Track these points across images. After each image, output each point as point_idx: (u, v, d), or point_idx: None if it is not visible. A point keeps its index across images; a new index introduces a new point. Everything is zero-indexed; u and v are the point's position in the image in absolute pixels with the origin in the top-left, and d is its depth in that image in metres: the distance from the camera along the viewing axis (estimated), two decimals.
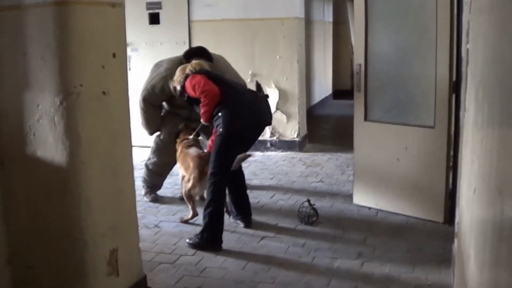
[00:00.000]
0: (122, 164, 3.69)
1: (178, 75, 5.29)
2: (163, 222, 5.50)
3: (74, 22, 3.21)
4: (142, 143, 7.65)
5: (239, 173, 5.41)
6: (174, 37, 8.82)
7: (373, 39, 5.60)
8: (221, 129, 4.93)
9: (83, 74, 3.28)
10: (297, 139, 8.65)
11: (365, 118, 5.71)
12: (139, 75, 8.11)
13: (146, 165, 6.17)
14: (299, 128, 8.66)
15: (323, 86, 13.94)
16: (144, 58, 8.75)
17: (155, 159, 6.17)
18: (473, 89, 2.92)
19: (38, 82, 3.25)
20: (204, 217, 4.89)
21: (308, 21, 10.82)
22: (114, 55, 3.49)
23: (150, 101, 5.88)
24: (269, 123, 5.40)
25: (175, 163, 6.03)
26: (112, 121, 3.56)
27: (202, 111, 5.04)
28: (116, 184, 3.61)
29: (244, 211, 5.41)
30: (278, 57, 8.47)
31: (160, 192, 6.44)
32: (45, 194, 3.39)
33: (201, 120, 5.19)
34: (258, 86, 5.48)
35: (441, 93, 5.08)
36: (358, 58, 5.71)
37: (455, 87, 5.00)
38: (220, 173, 4.94)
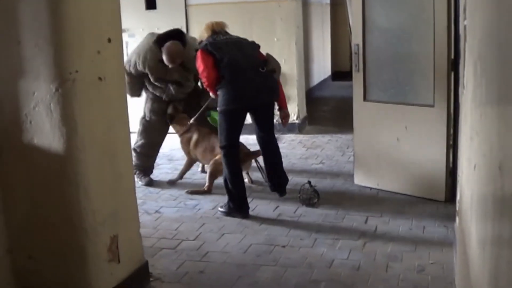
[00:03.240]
0: (120, 150, 3.68)
1: (201, 35, 5.49)
2: (164, 208, 5.49)
3: (68, 8, 3.17)
4: None
5: (276, 153, 5.64)
6: (171, 22, 8.73)
7: (371, 18, 5.57)
8: (218, 108, 5.20)
9: (78, 60, 3.25)
10: (296, 121, 8.64)
11: (364, 98, 5.69)
12: None
13: (134, 149, 6.11)
14: (298, 110, 8.65)
15: (322, 68, 13.89)
16: None
17: (142, 140, 6.21)
18: (471, 65, 2.90)
19: (33, 70, 3.22)
20: (226, 189, 5.25)
21: (305, 3, 10.77)
22: (109, 40, 3.46)
23: (126, 70, 5.81)
24: (271, 101, 5.48)
25: (162, 142, 6.34)
26: (109, 107, 3.54)
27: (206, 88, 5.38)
28: (114, 170, 3.60)
29: (278, 184, 5.64)
30: (275, 39, 8.43)
31: (161, 178, 6.44)
32: (43, 182, 3.37)
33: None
34: (265, 61, 5.43)
35: (440, 71, 5.05)
36: (356, 38, 5.68)
37: (454, 64, 4.98)
38: (227, 147, 5.24)
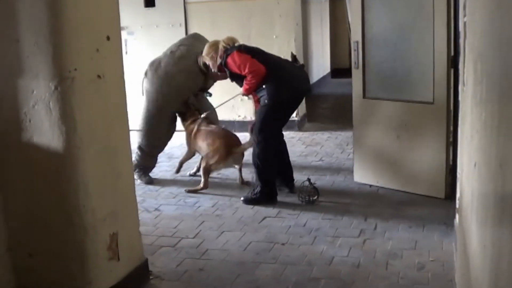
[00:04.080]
0: (120, 148, 3.67)
1: (208, 51, 5.65)
2: (164, 206, 5.49)
3: (67, 6, 3.17)
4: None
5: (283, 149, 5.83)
6: (170, 19, 8.76)
7: (370, 15, 5.56)
8: (266, 101, 5.32)
9: (77, 58, 3.25)
10: (296, 118, 8.62)
11: (364, 96, 5.69)
12: (135, 59, 8.09)
13: (141, 148, 6.12)
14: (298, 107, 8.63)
15: (321, 65, 13.89)
16: (140, 42, 8.72)
17: (149, 140, 6.18)
18: (471, 63, 2.89)
19: (32, 68, 3.21)
20: (259, 178, 5.45)
21: (304, 0, 10.75)
22: (108, 38, 3.46)
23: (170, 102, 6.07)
24: (310, 90, 5.88)
25: (167, 143, 6.36)
26: (109, 105, 3.53)
27: (246, 87, 5.37)
28: (114, 168, 3.59)
29: (286, 178, 5.80)
30: (274, 36, 8.42)
31: (161, 176, 6.44)
32: (42, 181, 3.37)
33: (241, 92, 5.54)
34: (294, 57, 5.87)
35: (440, 69, 5.05)
36: (356, 35, 5.68)
37: (454, 61, 4.97)
38: (266, 140, 5.40)
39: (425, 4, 5.09)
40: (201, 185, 5.84)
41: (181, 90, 6.03)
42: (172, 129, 6.29)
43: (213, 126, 6.08)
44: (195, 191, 5.81)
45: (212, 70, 5.77)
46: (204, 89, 6.29)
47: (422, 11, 5.18)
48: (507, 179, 1.57)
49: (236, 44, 5.52)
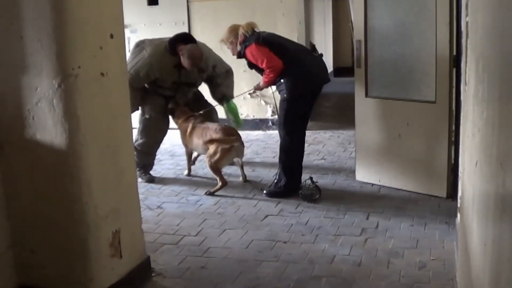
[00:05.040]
0: (122, 145, 3.68)
1: (228, 36, 5.69)
2: (166, 203, 5.50)
3: (70, 3, 3.17)
4: None
5: None
6: (173, 18, 8.78)
7: (373, 14, 5.56)
8: (285, 95, 5.42)
9: (81, 55, 3.26)
10: None
11: (366, 95, 5.69)
12: None
13: (135, 147, 6.11)
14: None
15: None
16: None
17: (143, 139, 6.19)
18: (473, 62, 2.90)
19: (35, 65, 3.22)
20: (285, 172, 5.57)
21: None
22: (111, 36, 3.46)
23: (132, 85, 5.71)
24: (328, 80, 5.87)
25: (162, 140, 6.35)
26: (111, 102, 3.54)
27: (265, 80, 5.48)
28: (116, 165, 3.60)
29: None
30: None
31: (163, 173, 6.45)
32: (45, 178, 3.38)
33: (261, 84, 5.63)
34: (313, 47, 5.87)
35: (442, 68, 5.05)
36: (358, 34, 5.68)
37: (456, 61, 4.97)
38: (289, 134, 5.52)
39: (428, 4, 5.09)
40: (219, 183, 5.77)
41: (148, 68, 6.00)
42: (166, 126, 6.34)
43: (208, 123, 6.05)
44: (215, 192, 5.73)
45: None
46: (190, 84, 6.32)
47: (424, 11, 5.19)
48: (507, 177, 1.57)
49: (256, 31, 5.55)
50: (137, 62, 5.95)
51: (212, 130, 5.86)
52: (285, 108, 5.47)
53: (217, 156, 5.68)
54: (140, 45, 6.14)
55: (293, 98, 5.41)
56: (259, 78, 5.66)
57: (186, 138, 6.15)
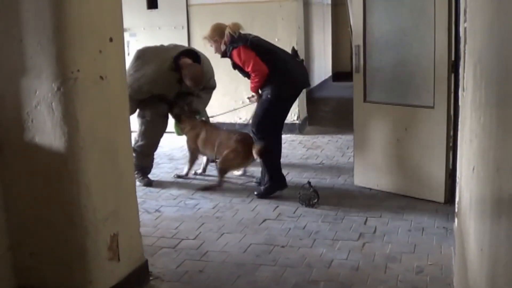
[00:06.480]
0: (121, 149, 3.69)
1: (212, 34, 5.76)
2: (164, 207, 5.51)
3: (70, 6, 3.19)
4: None
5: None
6: (173, 22, 8.79)
7: (372, 20, 5.58)
8: (269, 96, 5.51)
9: (80, 59, 3.27)
10: (297, 121, 8.64)
11: (365, 99, 5.70)
12: None
13: (134, 149, 6.11)
14: (299, 110, 8.64)
15: (323, 68, 13.89)
16: (143, 43, 8.65)
17: (144, 141, 6.21)
18: (471, 67, 2.91)
19: (35, 68, 3.23)
20: (269, 172, 5.66)
21: (306, 3, 10.76)
22: (111, 40, 3.47)
23: (133, 97, 5.58)
24: (309, 85, 6.23)
25: (159, 141, 6.39)
26: (111, 106, 3.55)
27: (252, 85, 5.62)
28: (115, 169, 3.61)
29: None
30: (276, 39, 8.39)
31: (161, 177, 6.46)
32: (44, 181, 3.38)
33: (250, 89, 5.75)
34: (295, 52, 5.98)
35: (440, 73, 5.06)
36: (357, 39, 5.69)
37: (454, 66, 4.99)
38: (265, 131, 5.59)
39: (427, 9, 5.11)
40: (217, 184, 5.96)
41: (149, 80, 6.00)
42: (164, 128, 6.36)
43: (224, 129, 6.24)
44: (208, 188, 5.91)
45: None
46: (188, 93, 6.35)
47: (423, 16, 5.20)
48: (504, 183, 1.58)
49: (242, 33, 5.63)
50: (140, 78, 5.93)
51: (232, 140, 5.94)
52: (265, 107, 5.56)
53: (233, 162, 5.89)
54: (142, 57, 6.13)
55: (276, 100, 5.52)
56: None
57: (196, 144, 6.23)
